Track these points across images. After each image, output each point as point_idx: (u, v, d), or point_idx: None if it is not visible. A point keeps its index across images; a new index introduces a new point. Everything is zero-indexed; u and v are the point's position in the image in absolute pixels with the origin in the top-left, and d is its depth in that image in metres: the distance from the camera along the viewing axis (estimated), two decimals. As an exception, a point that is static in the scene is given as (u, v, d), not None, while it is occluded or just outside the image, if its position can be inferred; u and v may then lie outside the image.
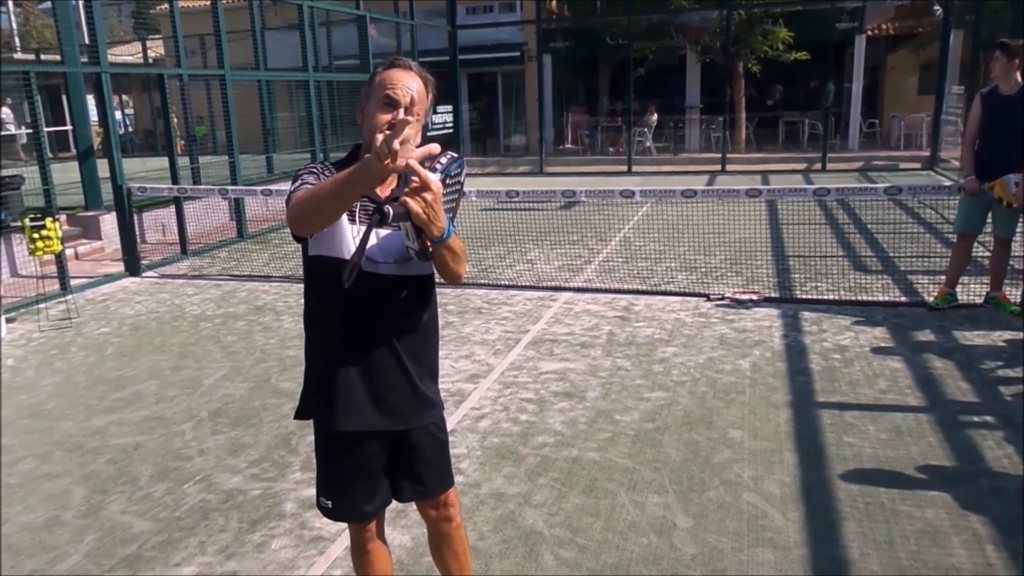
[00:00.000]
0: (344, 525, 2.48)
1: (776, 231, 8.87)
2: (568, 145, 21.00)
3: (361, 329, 1.97)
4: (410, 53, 14.59)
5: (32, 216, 6.22)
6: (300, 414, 2.11)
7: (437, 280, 2.08)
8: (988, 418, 3.86)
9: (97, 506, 3.34)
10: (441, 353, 2.81)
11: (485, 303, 6.32)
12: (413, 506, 2.30)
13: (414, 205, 1.71)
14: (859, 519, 2.98)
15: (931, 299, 5.74)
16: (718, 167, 15.82)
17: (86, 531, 3.14)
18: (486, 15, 20.58)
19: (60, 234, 6.38)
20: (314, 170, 1.94)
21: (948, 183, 6.71)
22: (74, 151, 10.87)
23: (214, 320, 6.18)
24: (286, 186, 1.96)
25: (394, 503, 2.17)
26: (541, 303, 6.27)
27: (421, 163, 1.71)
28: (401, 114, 1.87)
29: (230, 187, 8.98)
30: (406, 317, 2.01)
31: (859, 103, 17.61)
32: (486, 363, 4.92)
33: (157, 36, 22.55)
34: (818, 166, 15.44)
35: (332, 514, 2.13)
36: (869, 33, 18.03)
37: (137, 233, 8.50)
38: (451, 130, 16.76)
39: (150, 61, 22.28)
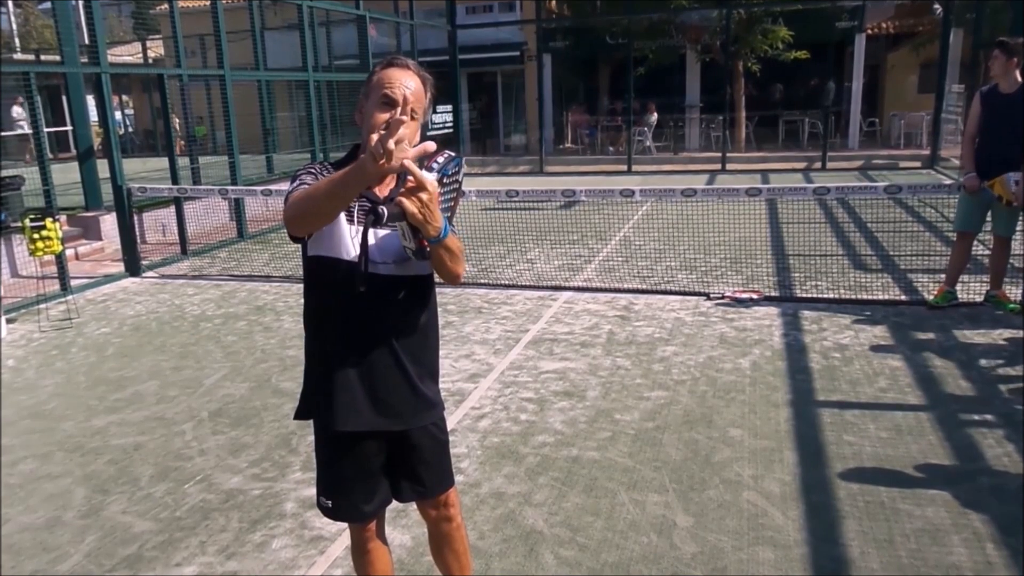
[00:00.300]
0: (344, 525, 2.48)
1: (776, 230, 8.87)
2: (568, 144, 21.00)
3: (360, 329, 1.97)
4: (410, 53, 14.59)
5: (32, 216, 6.22)
6: (300, 414, 2.11)
7: (436, 280, 2.08)
8: (988, 416, 3.86)
9: (98, 506, 3.34)
10: (441, 353, 2.82)
11: (485, 302, 6.32)
12: (413, 505, 2.30)
13: (409, 205, 1.71)
14: (859, 517, 2.98)
15: (931, 297, 5.74)
16: (718, 166, 15.82)
17: (87, 531, 3.14)
18: (486, 15, 20.58)
19: (60, 234, 6.38)
20: (312, 170, 1.94)
21: (948, 182, 6.71)
22: (74, 151, 10.88)
23: (214, 320, 6.19)
24: (286, 186, 1.96)
25: (394, 502, 2.18)
26: (541, 302, 6.27)
27: (418, 162, 1.71)
28: (397, 114, 1.87)
29: (230, 187, 8.99)
30: (405, 317, 2.01)
31: (859, 102, 17.60)
32: (486, 362, 4.92)
33: (157, 36, 22.55)
34: (818, 165, 15.44)
35: (332, 514, 2.14)
36: (869, 32, 18.02)
37: (137, 233, 8.50)
38: (451, 130, 16.77)
39: (150, 61, 22.29)
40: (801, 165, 15.71)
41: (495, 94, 21.87)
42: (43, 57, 21.78)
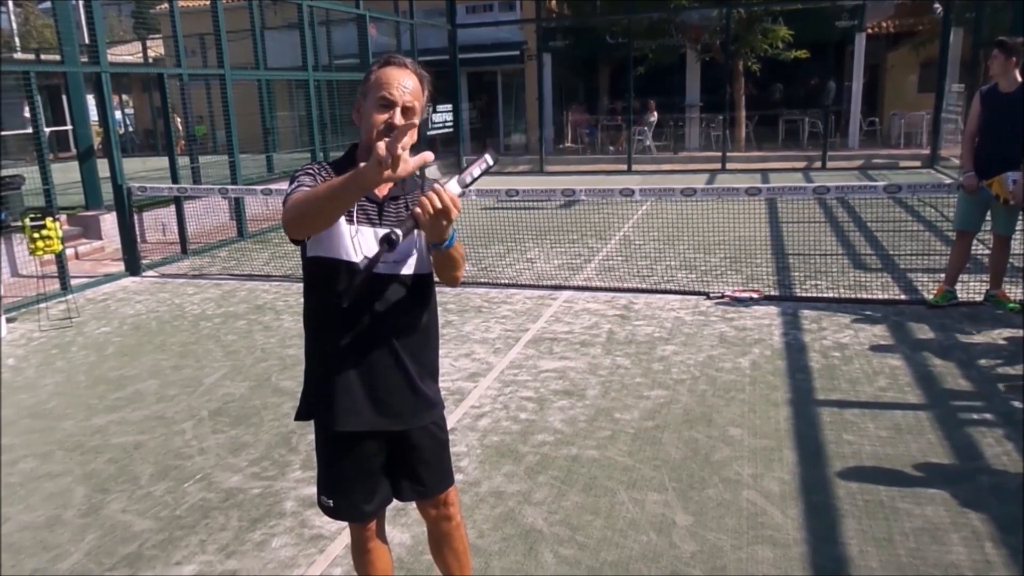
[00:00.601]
0: (344, 524, 2.48)
1: (776, 229, 8.88)
2: (568, 144, 20.99)
3: (361, 329, 1.97)
4: (410, 52, 14.60)
5: (32, 216, 6.22)
6: (300, 415, 2.11)
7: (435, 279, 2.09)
8: (988, 416, 3.86)
9: (98, 505, 3.35)
10: (441, 352, 2.82)
11: (485, 302, 6.33)
12: (413, 504, 2.31)
13: (427, 220, 1.73)
14: (858, 517, 2.99)
15: (931, 297, 5.74)
16: (718, 166, 15.82)
17: (87, 530, 3.15)
18: (486, 14, 20.57)
19: (60, 234, 6.38)
20: (311, 171, 1.93)
21: (948, 181, 6.71)
22: (74, 151, 10.88)
23: (214, 319, 6.19)
24: (286, 185, 1.96)
25: (394, 501, 2.18)
26: (541, 302, 6.28)
27: (455, 170, 1.73)
28: (399, 117, 1.87)
29: (230, 186, 9.00)
30: (406, 317, 2.01)
31: (859, 101, 17.59)
32: (486, 362, 4.93)
33: (157, 36, 22.56)
34: (818, 164, 15.45)
35: (333, 513, 2.14)
36: (869, 31, 18.01)
37: (137, 233, 8.51)
38: (451, 129, 16.76)
39: (150, 61, 22.29)
40: (801, 164, 15.72)
41: (495, 93, 21.87)
42: (43, 56, 21.78)
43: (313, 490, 3.20)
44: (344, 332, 1.97)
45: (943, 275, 5.76)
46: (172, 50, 9.70)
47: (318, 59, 12.83)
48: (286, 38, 15.73)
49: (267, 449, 3.82)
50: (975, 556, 2.71)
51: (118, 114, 22.35)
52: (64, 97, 15.25)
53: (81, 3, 9.97)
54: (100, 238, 9.20)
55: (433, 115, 15.50)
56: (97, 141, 10.64)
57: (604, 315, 5.82)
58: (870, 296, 6.01)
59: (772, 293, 6.21)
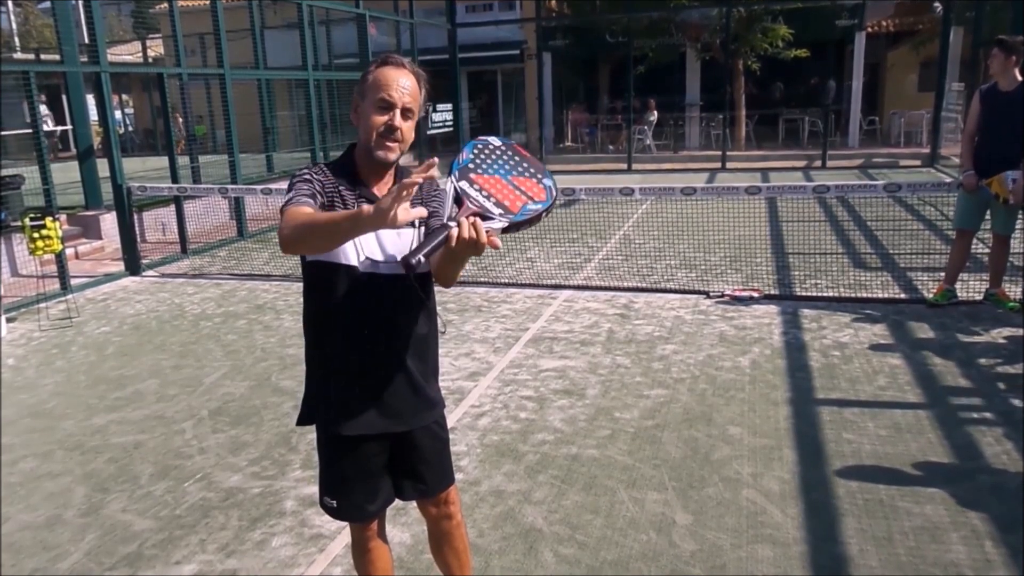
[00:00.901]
0: (344, 523, 2.48)
1: (776, 228, 8.87)
2: (568, 143, 20.98)
3: (361, 330, 1.97)
4: (410, 51, 14.59)
5: (32, 216, 6.22)
6: (302, 419, 2.11)
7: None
8: (987, 415, 3.86)
9: (98, 504, 3.35)
10: (441, 351, 2.82)
11: (485, 301, 6.33)
12: (413, 504, 2.31)
13: (458, 247, 1.69)
14: (858, 515, 2.99)
15: (931, 296, 5.74)
16: (718, 164, 15.81)
17: (87, 529, 3.15)
18: (486, 13, 20.57)
19: (60, 233, 6.38)
20: (308, 178, 1.92)
21: (948, 180, 6.72)
22: (74, 151, 10.88)
23: (214, 319, 6.19)
24: (285, 185, 1.96)
25: (395, 501, 2.18)
26: (541, 301, 6.28)
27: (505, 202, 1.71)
28: (398, 119, 1.88)
29: (230, 186, 9.00)
30: (405, 317, 2.01)
31: (859, 100, 17.59)
32: (486, 361, 4.93)
33: (157, 35, 22.53)
34: (818, 163, 15.44)
35: (336, 513, 2.14)
36: (869, 30, 18.00)
37: (137, 232, 8.50)
38: (451, 128, 16.76)
39: (150, 60, 22.27)
40: (801, 163, 15.72)
41: (495, 93, 21.87)
42: (43, 56, 21.76)
43: (313, 489, 3.21)
44: (345, 335, 1.97)
45: (943, 274, 5.76)
46: (172, 50, 9.69)
47: (318, 58, 12.83)
48: (286, 37, 15.72)
49: (267, 448, 3.82)
50: (975, 555, 2.72)
51: (118, 114, 22.35)
52: (64, 97, 15.23)
53: (81, 3, 9.96)
54: (100, 238, 9.20)
55: (433, 114, 15.49)
56: (97, 141, 10.64)
57: (604, 314, 5.82)
58: (870, 295, 6.01)
59: (772, 292, 6.21)
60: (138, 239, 8.41)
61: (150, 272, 8.08)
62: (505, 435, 3.84)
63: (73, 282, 7.16)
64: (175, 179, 8.90)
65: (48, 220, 6.22)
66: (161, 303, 6.79)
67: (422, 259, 1.63)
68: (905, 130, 17.40)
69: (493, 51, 19.92)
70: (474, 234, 1.67)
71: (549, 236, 8.96)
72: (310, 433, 3.67)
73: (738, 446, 3.60)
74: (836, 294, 6.09)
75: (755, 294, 6.10)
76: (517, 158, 1.86)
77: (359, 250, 1.91)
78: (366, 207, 1.61)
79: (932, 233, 8.34)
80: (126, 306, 6.75)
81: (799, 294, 6.15)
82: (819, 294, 6.11)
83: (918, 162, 14.94)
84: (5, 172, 8.58)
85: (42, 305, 6.63)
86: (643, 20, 17.75)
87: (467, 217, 1.69)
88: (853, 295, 6.03)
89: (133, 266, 8.03)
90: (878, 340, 5.00)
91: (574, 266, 7.45)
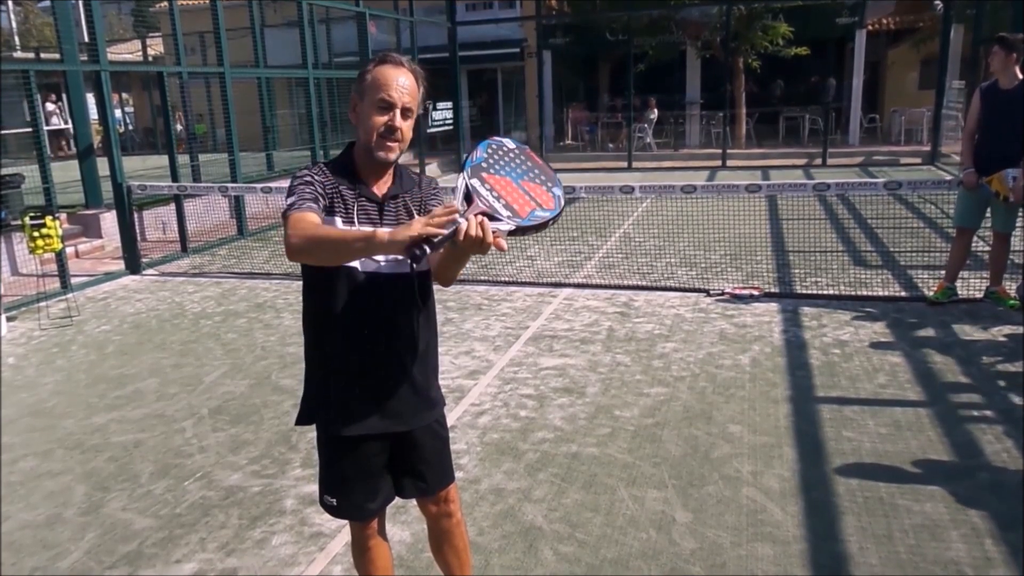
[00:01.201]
0: (344, 521, 2.48)
1: (776, 226, 8.87)
2: (568, 141, 20.97)
3: (361, 331, 1.97)
4: (410, 50, 14.55)
5: (32, 214, 6.22)
6: (302, 419, 2.10)
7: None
8: (988, 413, 3.86)
9: (98, 503, 3.35)
10: (441, 350, 2.82)
11: (485, 299, 6.33)
12: (413, 502, 2.31)
13: (464, 244, 1.69)
14: (858, 513, 2.99)
15: (931, 294, 5.74)
16: (718, 163, 15.80)
17: (87, 528, 3.15)
18: (486, 11, 20.57)
19: (60, 232, 6.38)
20: (309, 180, 1.91)
21: (948, 178, 6.71)
22: (74, 149, 10.88)
23: (214, 318, 6.19)
24: (286, 183, 1.96)
25: (394, 499, 2.18)
26: (541, 299, 6.28)
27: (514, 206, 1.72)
28: (398, 119, 1.89)
29: (230, 185, 8.99)
30: (406, 316, 2.01)
31: (859, 98, 17.58)
32: (486, 359, 4.93)
33: (157, 34, 22.51)
34: (818, 161, 15.44)
35: (337, 512, 2.14)
36: (869, 28, 17.99)
37: (137, 231, 8.50)
38: (451, 127, 16.75)
39: (150, 59, 22.25)
40: (801, 161, 15.71)
41: (495, 91, 21.85)
42: (43, 55, 21.74)
43: (313, 488, 3.21)
44: (345, 335, 1.97)
45: (943, 272, 5.76)
46: (172, 48, 9.69)
47: (318, 57, 12.82)
48: (286, 36, 15.73)
49: (267, 447, 3.82)
50: (975, 553, 2.71)
51: (118, 112, 22.34)
52: (64, 96, 15.23)
53: (80, 1, 9.95)
54: (100, 236, 9.20)
55: (433, 113, 15.47)
56: (97, 139, 10.63)
57: (604, 312, 5.82)
58: (870, 293, 6.01)
59: (772, 290, 6.21)
60: (138, 238, 8.41)
61: (150, 271, 8.09)
62: (505, 433, 3.84)
63: (73, 281, 7.16)
64: (175, 178, 8.90)
65: (48, 219, 6.22)
66: (161, 302, 6.79)
67: (427, 249, 1.64)
68: (905, 128, 17.39)
69: (493, 49, 19.90)
70: (480, 233, 1.67)
71: (549, 234, 8.95)
72: (310, 432, 3.67)
73: (738, 444, 3.60)
74: (836, 292, 6.08)
75: (755, 292, 6.10)
76: (529, 163, 1.87)
77: None
78: (380, 232, 1.63)
79: (932, 231, 8.34)
80: (126, 305, 6.75)
81: (799, 292, 6.15)
82: (819, 292, 6.11)
83: (918, 160, 14.93)
84: (5, 171, 8.58)
85: (42, 304, 6.63)
86: (643, 18, 17.74)
87: (475, 215, 1.69)
88: (853, 293, 6.03)
89: (133, 265, 8.03)
90: (878, 338, 5.00)
91: (574, 264, 7.45)
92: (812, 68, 19.20)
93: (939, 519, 2.93)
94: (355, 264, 1.91)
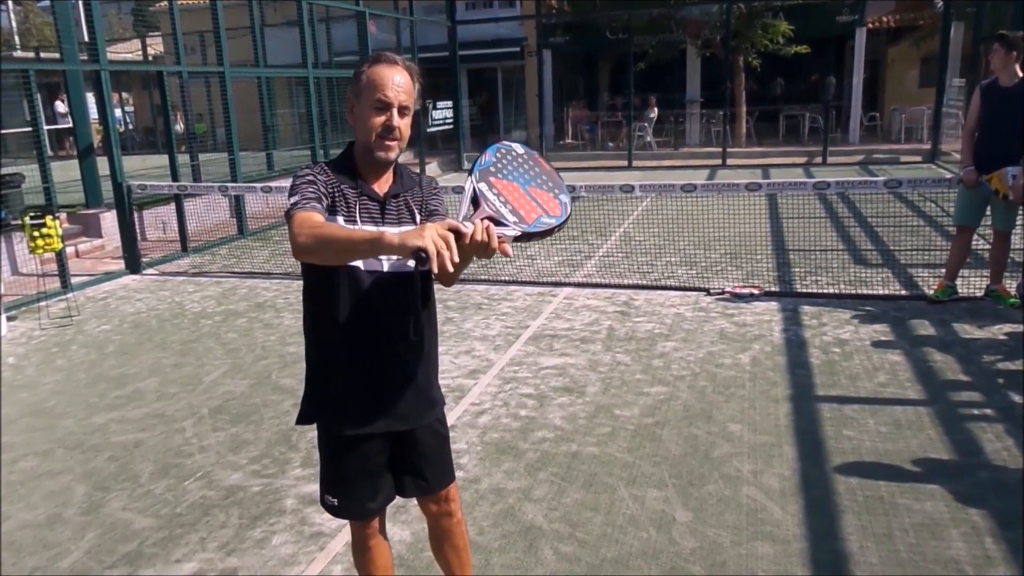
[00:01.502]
0: (344, 521, 2.48)
1: (776, 225, 8.87)
2: (568, 140, 20.97)
3: (362, 331, 1.97)
4: (410, 49, 14.55)
5: (32, 214, 6.22)
6: (302, 418, 2.10)
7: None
8: (988, 411, 3.86)
9: (98, 503, 3.35)
10: (441, 349, 2.82)
11: (485, 299, 6.33)
12: (413, 501, 2.31)
13: (469, 246, 1.69)
14: (858, 512, 2.99)
15: (931, 292, 5.73)
16: (718, 161, 15.80)
17: (87, 528, 3.15)
18: (486, 10, 20.57)
19: (60, 232, 6.38)
20: (311, 179, 1.91)
21: (949, 176, 6.69)
22: (74, 149, 10.88)
23: (215, 317, 6.19)
24: (286, 183, 1.96)
25: (395, 499, 2.18)
26: (541, 298, 6.27)
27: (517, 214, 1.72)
28: (396, 119, 1.89)
29: (230, 184, 8.99)
30: (406, 315, 2.01)
31: (860, 96, 17.57)
32: (486, 359, 4.93)
33: (156, 33, 22.51)
34: (819, 160, 15.43)
35: (338, 511, 2.14)
36: (870, 26, 17.98)
37: (137, 231, 8.51)
38: (451, 126, 16.75)
39: (150, 59, 22.25)
40: (802, 160, 15.70)
41: (495, 90, 21.85)
42: (43, 55, 21.75)
43: (313, 487, 3.22)
44: (346, 334, 1.97)
45: (943, 270, 5.75)
46: (172, 48, 9.69)
47: (318, 56, 12.81)
48: (286, 35, 15.71)
49: (267, 447, 3.82)
50: (975, 551, 2.71)
51: (118, 112, 22.34)
52: (64, 95, 15.23)
53: (80, 1, 9.95)
54: (100, 236, 9.20)
55: (433, 112, 15.47)
56: (97, 139, 10.63)
57: (604, 311, 5.82)
58: (870, 292, 6.01)
59: (772, 289, 6.21)
60: (138, 237, 8.41)
61: (150, 270, 8.09)
62: (505, 433, 3.84)
63: (73, 280, 7.16)
64: (175, 177, 8.90)
65: (48, 218, 6.22)
66: (161, 301, 6.79)
67: (427, 255, 1.63)
68: (906, 126, 17.39)
69: (493, 48, 19.90)
70: (486, 238, 1.67)
71: (549, 233, 8.94)
72: (310, 431, 3.68)
73: (738, 443, 3.60)
74: (836, 291, 6.08)
75: (755, 291, 6.10)
76: (537, 169, 1.87)
77: None
78: (389, 235, 1.62)
79: (932, 229, 8.33)
80: (126, 304, 6.75)
81: (799, 291, 6.15)
82: (819, 291, 6.11)
83: (919, 158, 14.92)
84: (5, 170, 8.58)
85: (42, 304, 6.63)
86: (643, 17, 17.73)
87: (481, 220, 1.69)
88: (853, 292, 6.03)
89: (133, 264, 8.03)
90: (878, 336, 5.00)
91: (574, 263, 7.45)
92: (812, 66, 19.19)
93: (939, 517, 2.93)
94: (358, 263, 1.91)
